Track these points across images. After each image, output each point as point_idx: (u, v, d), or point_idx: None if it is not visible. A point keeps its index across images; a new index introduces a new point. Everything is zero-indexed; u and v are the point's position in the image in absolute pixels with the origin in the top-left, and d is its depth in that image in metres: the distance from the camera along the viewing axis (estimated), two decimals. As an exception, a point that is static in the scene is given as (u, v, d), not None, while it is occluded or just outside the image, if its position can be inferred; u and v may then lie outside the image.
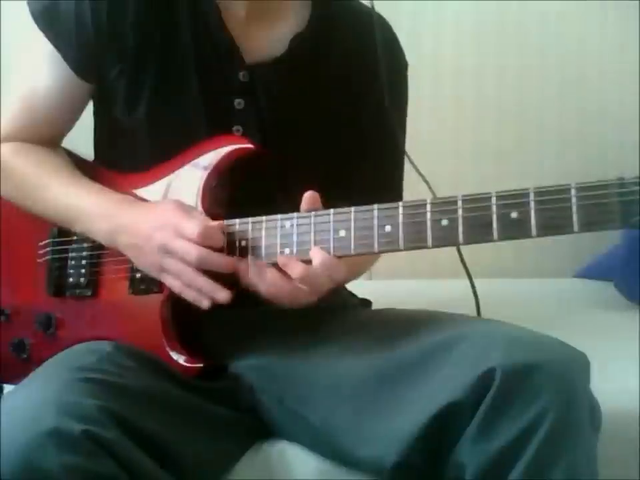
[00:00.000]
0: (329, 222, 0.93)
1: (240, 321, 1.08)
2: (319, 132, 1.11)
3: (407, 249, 0.90)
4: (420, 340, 0.96)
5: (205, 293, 0.97)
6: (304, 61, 1.09)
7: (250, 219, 0.98)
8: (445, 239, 0.88)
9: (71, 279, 1.10)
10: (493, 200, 0.85)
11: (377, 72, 1.10)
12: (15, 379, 1.04)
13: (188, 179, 1.05)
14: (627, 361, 1.24)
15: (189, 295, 0.98)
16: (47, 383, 0.89)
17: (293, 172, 1.09)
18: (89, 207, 1.05)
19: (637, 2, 1.86)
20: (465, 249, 1.07)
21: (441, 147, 1.93)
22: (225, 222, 0.99)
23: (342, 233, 0.92)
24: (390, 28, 1.18)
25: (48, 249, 1.12)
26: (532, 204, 0.83)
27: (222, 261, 0.97)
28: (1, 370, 1.13)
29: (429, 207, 0.88)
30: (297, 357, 1.03)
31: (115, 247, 1.04)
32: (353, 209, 0.92)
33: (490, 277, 1.71)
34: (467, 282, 1.12)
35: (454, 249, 1.10)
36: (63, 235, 1.11)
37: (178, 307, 1.02)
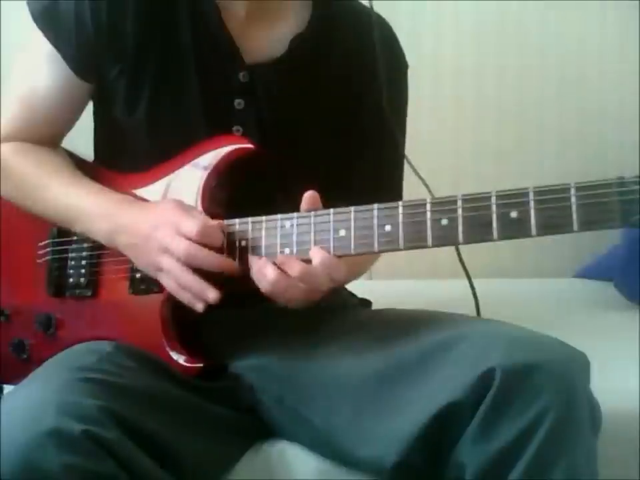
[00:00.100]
0: (329, 222, 0.93)
1: (240, 321, 1.09)
2: (319, 132, 1.11)
3: (406, 248, 0.90)
4: (420, 340, 0.96)
5: (194, 292, 0.96)
6: (304, 62, 1.09)
7: (250, 219, 0.98)
8: (445, 238, 0.88)
9: (70, 279, 1.10)
10: (493, 199, 0.85)
11: (377, 72, 1.10)
12: (15, 379, 1.04)
13: (188, 179, 1.05)
14: (627, 361, 1.24)
15: (184, 297, 0.98)
16: (46, 383, 0.89)
17: (293, 172, 1.09)
18: (89, 207, 1.05)
19: (637, 2, 1.86)
20: (465, 249, 1.07)
21: (441, 146, 1.93)
22: (225, 222, 0.99)
23: (342, 233, 0.92)
24: (389, 28, 1.18)
25: (48, 249, 1.12)
26: (532, 203, 0.83)
27: (218, 261, 0.97)
28: (1, 370, 1.13)
29: (428, 207, 0.88)
30: (297, 357, 1.03)
31: (114, 246, 1.04)
32: (352, 208, 0.92)
33: (490, 277, 1.72)
34: (467, 282, 1.12)
35: (453, 248, 1.10)
36: (63, 235, 1.11)
37: (178, 307, 1.01)
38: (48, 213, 1.10)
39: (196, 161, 1.05)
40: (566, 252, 1.93)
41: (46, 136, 1.15)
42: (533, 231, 0.83)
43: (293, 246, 0.95)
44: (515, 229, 0.84)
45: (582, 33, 1.97)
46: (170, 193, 1.06)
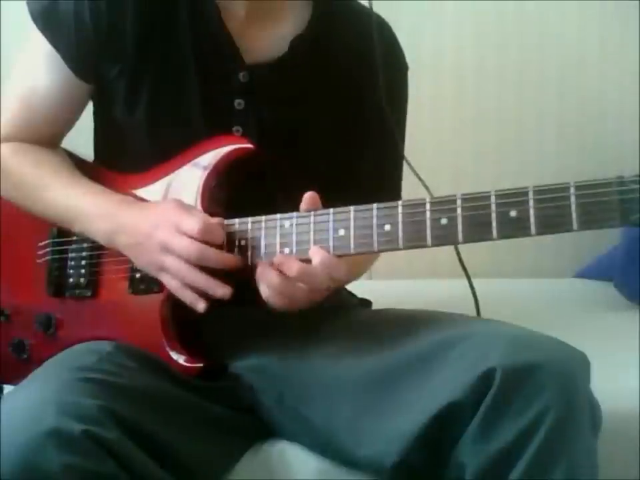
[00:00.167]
0: (329, 221, 0.93)
1: (240, 321, 1.09)
2: (319, 132, 1.11)
3: (406, 247, 0.90)
4: (420, 340, 0.96)
5: (204, 289, 0.96)
6: (304, 62, 1.09)
7: (249, 219, 0.98)
8: (445, 237, 0.88)
9: (70, 279, 1.10)
10: (492, 199, 0.85)
11: (377, 72, 1.10)
12: (15, 379, 1.04)
13: (188, 179, 1.05)
14: (627, 361, 1.24)
15: (186, 296, 0.98)
16: (46, 383, 0.89)
17: (293, 172, 1.09)
18: (88, 207, 1.05)
19: (637, 2, 1.86)
20: (464, 249, 1.07)
21: (441, 146, 1.93)
22: (225, 221, 0.99)
23: (341, 232, 0.92)
24: (390, 29, 1.18)
25: (48, 249, 1.12)
26: (531, 202, 0.83)
27: (221, 257, 0.97)
28: (1, 370, 1.13)
29: (428, 206, 0.88)
30: (297, 357, 1.03)
31: (114, 247, 1.04)
32: (352, 208, 0.92)
33: (489, 277, 1.72)
34: (467, 282, 1.12)
35: (453, 248, 1.10)
36: (63, 235, 1.11)
37: (178, 307, 1.01)
38: (47, 213, 1.10)
39: (196, 160, 1.05)
40: (566, 252, 1.93)
41: (45, 136, 1.15)
42: (533, 230, 0.83)
43: (292, 245, 0.95)
44: (514, 228, 0.84)
45: (582, 33, 1.97)
46: (170, 192, 1.06)
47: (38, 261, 1.13)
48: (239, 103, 1.09)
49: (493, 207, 0.85)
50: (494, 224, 0.85)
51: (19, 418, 0.84)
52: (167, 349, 1.02)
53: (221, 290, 0.96)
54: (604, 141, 1.97)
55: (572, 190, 0.81)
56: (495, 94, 1.95)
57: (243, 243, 0.98)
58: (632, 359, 1.23)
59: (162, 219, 0.99)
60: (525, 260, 1.93)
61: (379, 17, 1.14)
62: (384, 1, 1.14)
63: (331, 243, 0.93)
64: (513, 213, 0.84)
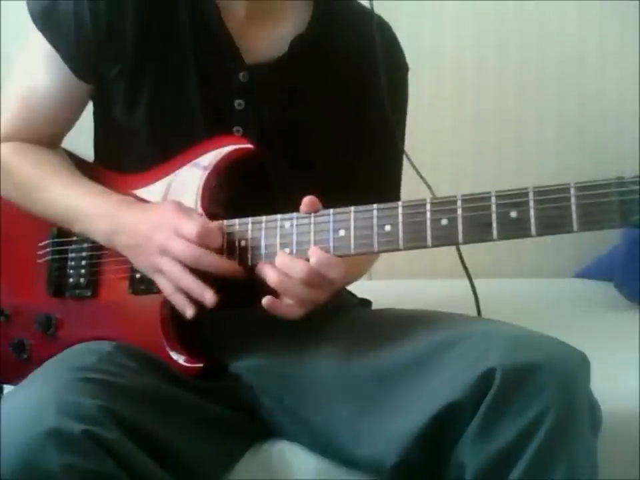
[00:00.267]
0: (329, 222, 0.93)
1: (240, 321, 1.09)
2: (319, 133, 1.12)
3: (406, 248, 0.90)
4: (420, 340, 0.96)
5: (192, 293, 0.96)
6: (305, 62, 1.09)
7: (250, 219, 0.98)
8: (445, 238, 0.88)
9: (70, 279, 1.10)
10: (493, 199, 0.85)
11: (378, 73, 1.10)
12: (15, 379, 1.04)
13: (188, 179, 1.05)
14: (627, 361, 1.24)
15: (177, 300, 0.98)
16: (46, 383, 0.89)
17: (293, 172, 1.09)
18: (88, 208, 1.05)
19: (637, 2, 1.86)
20: (465, 249, 1.07)
21: (441, 146, 1.93)
22: (225, 222, 0.99)
23: (341, 233, 0.92)
24: (390, 29, 1.18)
25: (48, 249, 1.12)
26: (531, 203, 0.83)
27: (218, 262, 0.97)
28: (1, 370, 1.13)
29: (428, 207, 0.88)
30: (297, 357, 1.03)
31: (113, 247, 1.04)
32: (352, 208, 0.92)
33: (490, 276, 1.72)
34: (467, 282, 1.12)
35: (453, 248, 1.10)
36: (63, 235, 1.11)
37: (178, 307, 1.02)
38: (47, 213, 1.10)
39: (196, 161, 1.05)
40: (566, 252, 1.93)
41: (46, 136, 1.15)
42: (533, 230, 0.83)
43: (292, 246, 0.95)
44: (514, 229, 0.84)
45: (582, 32, 1.97)
46: (170, 193, 1.06)
47: (38, 260, 1.13)
48: (239, 103, 1.09)
49: (493, 207, 0.85)
50: (494, 224, 0.85)
51: (19, 418, 0.84)
52: (167, 349, 1.02)
53: (208, 296, 0.95)
54: (604, 141, 1.97)
55: (572, 191, 0.81)
56: (495, 94, 1.95)
57: (243, 243, 0.98)
58: (632, 359, 1.23)
59: (161, 221, 0.98)
60: (525, 260, 1.93)
61: (379, 17, 1.14)
62: (384, 1, 1.14)
63: (331, 244, 0.93)
64: (513, 214, 0.84)
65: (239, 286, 0.97)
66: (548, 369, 0.86)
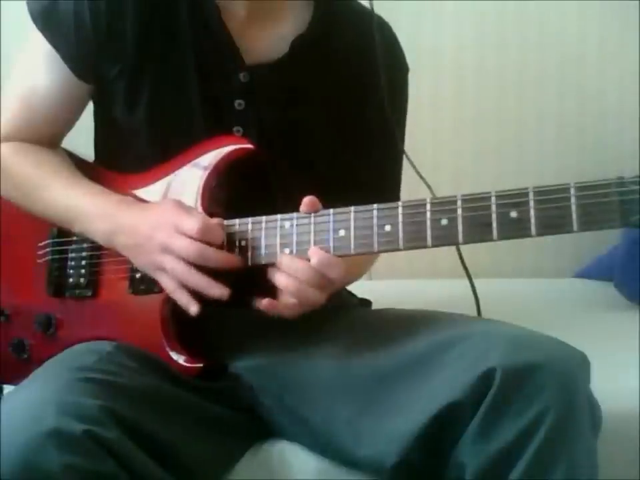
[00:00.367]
0: (329, 222, 0.93)
1: (240, 321, 1.08)
2: (320, 133, 1.12)
3: (406, 248, 0.90)
4: (419, 340, 0.96)
5: (201, 290, 0.96)
6: (305, 63, 1.09)
7: (250, 219, 0.98)
8: (445, 238, 0.88)
9: (70, 279, 1.10)
10: (493, 199, 0.85)
11: (378, 73, 1.10)
12: (15, 379, 1.04)
13: (188, 179, 1.05)
14: (627, 361, 1.24)
15: (180, 297, 0.98)
16: (47, 383, 0.89)
17: (293, 172, 1.09)
18: (88, 208, 1.05)
19: (637, 2, 1.86)
20: (465, 249, 1.07)
21: (441, 146, 1.93)
22: (225, 222, 0.99)
23: (342, 233, 0.92)
24: (390, 29, 1.18)
25: (48, 249, 1.12)
26: (531, 203, 0.83)
27: (221, 257, 0.97)
28: (1, 370, 1.13)
29: (428, 207, 0.88)
30: (296, 357, 1.03)
31: (113, 247, 1.04)
32: (352, 208, 0.93)
33: (490, 276, 1.72)
34: (467, 282, 1.12)
35: (453, 248, 1.10)
36: (63, 235, 1.11)
37: (178, 307, 1.01)
38: (47, 213, 1.10)
39: (196, 161, 1.05)
40: (566, 252, 1.93)
41: (46, 136, 1.15)
42: (533, 230, 0.83)
43: (292, 246, 0.95)
44: (514, 229, 0.84)
45: (582, 32, 1.97)
46: (170, 193, 1.06)
47: (38, 260, 1.13)
48: (239, 104, 1.09)
49: (494, 207, 0.85)
50: (494, 225, 0.85)
51: (19, 418, 0.84)
52: (167, 349, 1.02)
53: (219, 290, 0.95)
54: (604, 141, 1.97)
55: (572, 191, 0.81)
56: (495, 94, 1.95)
57: (243, 243, 0.98)
58: (632, 359, 1.23)
59: (161, 220, 0.98)
60: (525, 260, 1.93)
61: (379, 17, 1.14)
62: (384, 1, 1.14)
63: (331, 244, 0.93)
64: (513, 214, 0.84)
65: (239, 286, 0.97)
66: (548, 369, 0.86)
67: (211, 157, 1.04)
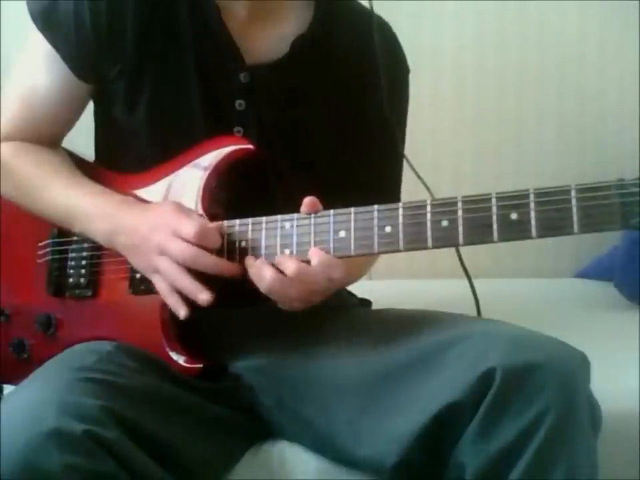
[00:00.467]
0: (329, 223, 0.93)
1: (240, 321, 1.09)
2: (320, 133, 1.12)
3: (406, 249, 0.90)
4: (420, 340, 0.96)
5: (187, 293, 0.96)
6: (305, 63, 1.09)
7: (250, 220, 0.98)
8: (445, 239, 0.88)
9: (70, 279, 1.10)
10: (493, 201, 0.85)
11: (378, 74, 1.10)
12: (15, 379, 1.05)
13: (188, 179, 1.05)
14: (627, 361, 1.25)
15: (171, 300, 0.98)
16: (47, 383, 0.90)
17: (293, 173, 1.09)
18: (88, 208, 1.05)
19: (637, 2, 1.86)
20: (465, 249, 1.07)
21: (441, 146, 1.93)
22: (225, 223, 0.99)
23: (342, 234, 0.92)
24: (390, 29, 1.18)
25: (48, 249, 1.12)
26: (532, 205, 0.83)
27: (215, 263, 0.96)
28: (1, 370, 1.13)
29: (429, 208, 0.88)
30: (296, 357, 1.03)
31: (113, 247, 1.04)
32: (352, 209, 0.92)
33: (490, 277, 1.72)
34: (467, 282, 1.12)
35: (453, 249, 1.10)
36: (63, 235, 1.11)
37: (178, 308, 1.02)
38: (47, 213, 1.10)
39: (196, 161, 1.05)
40: (566, 252, 1.93)
41: (46, 136, 1.15)
42: (533, 232, 0.83)
43: (292, 247, 0.95)
44: (515, 231, 0.84)
45: (582, 32, 1.97)
46: (170, 193, 1.06)
47: (38, 260, 1.13)
48: (239, 104, 1.09)
49: (494, 209, 0.85)
50: (494, 226, 0.85)
51: (19, 418, 0.84)
52: (167, 349, 1.02)
53: (203, 295, 0.95)
54: (604, 141, 1.97)
55: (573, 193, 0.81)
56: (495, 94, 1.95)
57: (243, 244, 0.98)
58: (632, 359, 1.24)
59: (160, 222, 0.98)
60: (525, 260, 1.93)
61: (379, 17, 1.14)
62: (384, 1, 1.14)
63: (331, 245, 0.93)
64: (513, 216, 0.84)
65: (239, 286, 0.97)
66: (548, 369, 0.86)
67: (211, 157, 1.04)
